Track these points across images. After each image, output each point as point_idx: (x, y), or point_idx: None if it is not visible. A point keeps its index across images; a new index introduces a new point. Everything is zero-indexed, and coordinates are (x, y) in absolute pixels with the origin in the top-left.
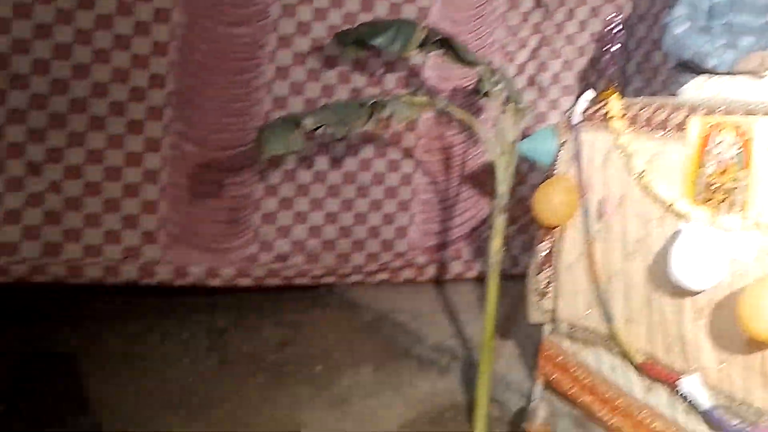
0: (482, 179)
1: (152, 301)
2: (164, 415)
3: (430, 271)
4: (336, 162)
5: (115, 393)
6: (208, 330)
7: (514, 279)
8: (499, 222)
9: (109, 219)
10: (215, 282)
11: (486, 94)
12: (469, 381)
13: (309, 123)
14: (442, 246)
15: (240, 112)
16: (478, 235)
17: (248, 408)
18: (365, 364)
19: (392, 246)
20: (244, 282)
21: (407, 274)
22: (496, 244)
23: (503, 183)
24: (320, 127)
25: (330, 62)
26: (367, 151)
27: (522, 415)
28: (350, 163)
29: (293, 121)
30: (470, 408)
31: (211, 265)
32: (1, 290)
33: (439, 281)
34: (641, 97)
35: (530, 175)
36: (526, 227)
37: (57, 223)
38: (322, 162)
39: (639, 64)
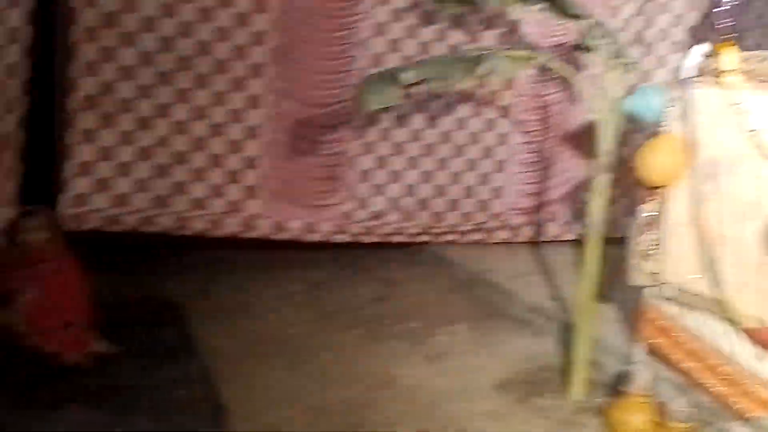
0: (581, 139)
1: (254, 255)
2: (265, 362)
3: (526, 233)
4: (432, 121)
5: (219, 340)
6: (307, 284)
7: (612, 243)
8: (602, 181)
9: (213, 174)
10: (313, 237)
11: (589, 50)
12: (565, 343)
13: (408, 77)
14: (538, 207)
15: (337, 69)
16: (576, 197)
17: (344, 359)
18: (460, 322)
19: (487, 206)
20: (341, 238)
21: (502, 234)
22: (597, 204)
23: (607, 141)
24: (419, 81)
25: (427, 18)
26: (464, 110)
27: (621, 378)
28: (446, 122)
29: (392, 76)
30: (566, 370)
31: (309, 221)
32: (113, 239)
33: (534, 243)
34: (758, 51)
35: (632, 135)
36: (627, 190)
37: (165, 177)
38: (417, 121)
39: (758, 18)
